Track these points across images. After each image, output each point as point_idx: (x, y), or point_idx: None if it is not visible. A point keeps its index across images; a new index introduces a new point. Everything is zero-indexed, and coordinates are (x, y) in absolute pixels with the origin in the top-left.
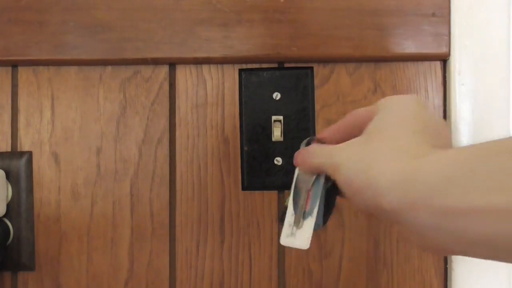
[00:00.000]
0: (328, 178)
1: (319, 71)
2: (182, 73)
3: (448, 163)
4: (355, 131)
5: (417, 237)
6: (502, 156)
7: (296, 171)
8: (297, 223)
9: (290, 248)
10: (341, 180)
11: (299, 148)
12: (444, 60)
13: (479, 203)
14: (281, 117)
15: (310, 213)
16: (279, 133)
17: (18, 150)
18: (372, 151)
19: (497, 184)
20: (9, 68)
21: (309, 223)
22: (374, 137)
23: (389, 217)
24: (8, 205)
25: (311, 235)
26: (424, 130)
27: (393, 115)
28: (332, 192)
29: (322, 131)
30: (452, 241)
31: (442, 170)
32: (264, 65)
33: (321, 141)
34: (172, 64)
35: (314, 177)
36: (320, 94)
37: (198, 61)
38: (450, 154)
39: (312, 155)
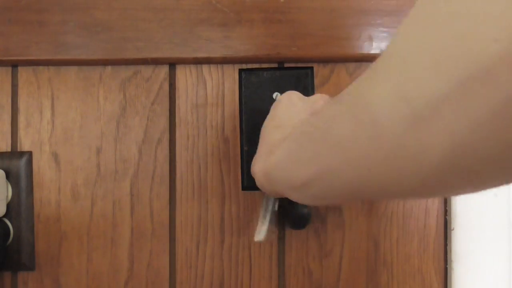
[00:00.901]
0: None
1: (319, 71)
2: (182, 73)
3: (283, 148)
4: None
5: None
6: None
7: None
8: (261, 220)
9: (290, 248)
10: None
11: None
12: None
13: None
14: None
15: (267, 212)
16: None
17: (18, 150)
18: (256, 155)
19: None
20: (9, 68)
21: (266, 220)
22: (260, 142)
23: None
24: (8, 205)
25: (266, 230)
26: (280, 124)
27: (266, 122)
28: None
29: None
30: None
31: (280, 156)
32: (264, 65)
33: None
34: (172, 64)
35: None
36: None
37: (198, 61)
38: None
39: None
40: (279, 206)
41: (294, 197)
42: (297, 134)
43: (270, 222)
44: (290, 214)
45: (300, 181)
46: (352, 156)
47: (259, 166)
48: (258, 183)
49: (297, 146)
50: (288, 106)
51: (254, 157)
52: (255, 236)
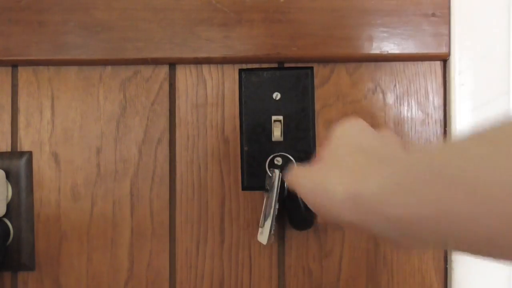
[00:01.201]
0: (281, 189)
1: (319, 71)
2: (182, 73)
3: (385, 176)
4: None
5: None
6: (434, 167)
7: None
8: (261, 223)
9: (290, 248)
10: (302, 196)
11: (299, 148)
12: (444, 60)
13: (414, 211)
14: (281, 117)
15: (268, 216)
16: (279, 133)
17: (18, 150)
18: (324, 172)
19: (431, 195)
20: (9, 68)
21: (268, 224)
22: (325, 161)
23: (348, 226)
24: (8, 205)
25: (269, 233)
26: (367, 149)
27: (338, 142)
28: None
29: None
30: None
31: (384, 184)
32: (264, 65)
33: None
34: (172, 64)
35: (270, 187)
36: (320, 94)
37: (198, 61)
38: (387, 169)
39: (289, 174)
40: (280, 209)
41: (386, 232)
42: (423, 168)
43: (272, 226)
44: (295, 216)
45: (407, 218)
46: (503, 208)
47: (346, 188)
48: (331, 203)
49: (417, 181)
50: (367, 133)
51: (324, 177)
52: (259, 237)
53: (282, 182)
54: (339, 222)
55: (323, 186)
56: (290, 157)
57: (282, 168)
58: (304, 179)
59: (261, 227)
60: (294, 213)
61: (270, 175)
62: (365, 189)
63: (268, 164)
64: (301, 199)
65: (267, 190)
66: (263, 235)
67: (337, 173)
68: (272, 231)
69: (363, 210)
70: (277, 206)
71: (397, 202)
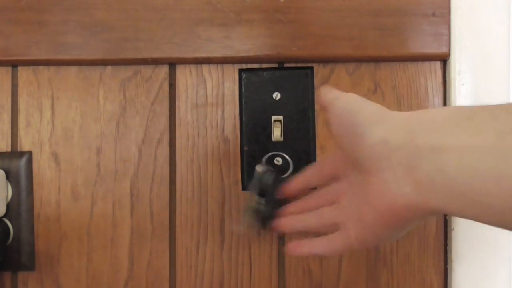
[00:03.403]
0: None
1: (319, 71)
2: (182, 73)
3: (444, 111)
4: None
5: (390, 185)
6: (488, 108)
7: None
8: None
9: None
10: (332, 115)
11: (299, 148)
12: (444, 60)
13: (464, 141)
14: (281, 117)
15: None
16: (279, 133)
17: (18, 150)
18: (363, 104)
19: (482, 127)
20: (9, 68)
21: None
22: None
23: (368, 157)
24: (8, 205)
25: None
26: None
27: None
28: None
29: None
30: (428, 184)
31: (433, 115)
32: (264, 65)
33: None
34: (172, 64)
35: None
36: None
37: (198, 61)
38: (446, 108)
39: (324, 95)
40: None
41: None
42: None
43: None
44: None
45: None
46: None
47: (377, 110)
48: (355, 125)
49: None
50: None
51: (360, 105)
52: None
53: (275, 184)
54: (357, 149)
55: (356, 108)
56: (287, 157)
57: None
58: (336, 98)
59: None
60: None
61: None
62: (400, 116)
63: (267, 163)
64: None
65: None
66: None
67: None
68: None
69: (394, 135)
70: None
71: (439, 131)
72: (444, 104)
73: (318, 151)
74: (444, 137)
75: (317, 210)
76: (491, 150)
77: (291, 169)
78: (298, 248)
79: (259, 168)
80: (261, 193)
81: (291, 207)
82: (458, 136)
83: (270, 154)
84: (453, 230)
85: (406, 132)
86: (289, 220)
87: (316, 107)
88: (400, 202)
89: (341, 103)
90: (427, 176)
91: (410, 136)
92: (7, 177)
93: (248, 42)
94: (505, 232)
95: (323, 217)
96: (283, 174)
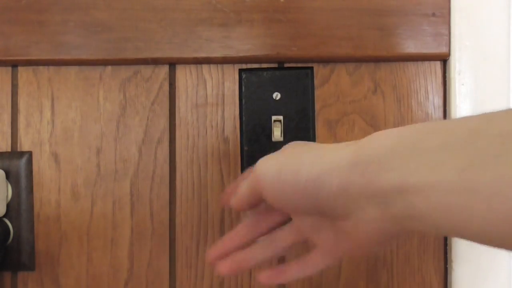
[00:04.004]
0: None
1: (319, 71)
2: (182, 73)
3: (387, 140)
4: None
5: (367, 222)
6: (442, 134)
7: None
8: None
9: None
10: (268, 186)
11: None
12: (444, 60)
13: (426, 179)
14: (281, 117)
15: None
16: (279, 133)
17: (18, 150)
18: (298, 154)
19: (441, 160)
20: (9, 68)
21: None
22: (291, 149)
23: (332, 208)
24: (8, 205)
25: None
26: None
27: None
28: None
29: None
30: (399, 219)
31: (385, 146)
32: (264, 65)
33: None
34: (172, 64)
35: None
36: (320, 94)
37: (198, 61)
38: (387, 133)
39: (237, 193)
40: None
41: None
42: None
43: None
44: None
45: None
46: None
47: (331, 154)
48: (312, 181)
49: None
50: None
51: (300, 157)
52: None
53: None
54: (317, 204)
55: (298, 164)
56: None
57: None
58: (258, 170)
59: None
60: None
61: None
62: (362, 152)
63: None
64: None
65: None
66: None
67: (313, 152)
68: None
69: (358, 175)
70: None
71: (402, 167)
72: (444, 103)
73: None
74: (404, 175)
75: (268, 237)
76: (456, 186)
77: None
78: (276, 277)
79: None
80: None
81: (226, 244)
82: (418, 173)
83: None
84: None
85: (358, 172)
86: (236, 259)
87: (316, 107)
88: (382, 233)
89: (268, 173)
90: (402, 212)
91: (367, 177)
92: (7, 177)
93: (248, 42)
94: None
95: (280, 243)
96: None
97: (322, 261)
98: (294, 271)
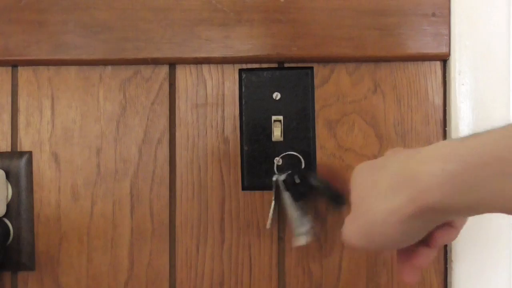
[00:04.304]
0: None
1: (319, 71)
2: (182, 73)
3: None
4: None
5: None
6: None
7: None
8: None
9: (290, 248)
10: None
11: (299, 148)
12: (444, 60)
13: None
14: (281, 117)
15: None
16: (279, 133)
17: (18, 150)
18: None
19: None
20: (9, 68)
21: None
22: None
23: (434, 211)
24: (8, 205)
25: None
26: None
27: (358, 183)
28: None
29: None
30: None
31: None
32: (264, 65)
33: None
34: (172, 64)
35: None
36: (320, 94)
37: (198, 61)
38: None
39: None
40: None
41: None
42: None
43: (309, 221)
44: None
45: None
46: None
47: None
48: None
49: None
50: (375, 163)
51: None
52: (296, 241)
53: (291, 182)
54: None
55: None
56: (296, 153)
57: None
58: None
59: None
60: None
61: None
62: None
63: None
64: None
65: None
66: (301, 233)
67: (384, 195)
68: (305, 229)
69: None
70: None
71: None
72: (444, 103)
73: (318, 151)
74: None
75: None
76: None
77: (303, 164)
78: (415, 273)
79: (280, 177)
80: (296, 197)
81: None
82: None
83: (280, 156)
84: None
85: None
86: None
87: (316, 107)
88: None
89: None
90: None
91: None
92: (7, 177)
93: (248, 42)
94: (505, 232)
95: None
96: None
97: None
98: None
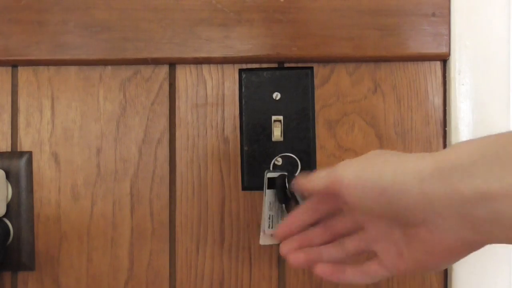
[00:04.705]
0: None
1: (319, 71)
2: (182, 73)
3: (469, 149)
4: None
5: (445, 232)
6: None
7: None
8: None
9: None
10: (349, 185)
11: (299, 148)
12: (444, 60)
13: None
14: (281, 117)
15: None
16: (279, 133)
17: (18, 150)
18: (381, 160)
19: None
20: (9, 68)
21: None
22: (372, 157)
23: (410, 212)
24: (8, 205)
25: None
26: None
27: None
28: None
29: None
30: (487, 227)
31: (468, 154)
32: (264, 65)
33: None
34: (172, 64)
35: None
36: (320, 94)
37: (198, 61)
38: (468, 143)
39: (312, 179)
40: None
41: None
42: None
43: (266, 225)
44: None
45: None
46: None
47: (416, 162)
48: (396, 187)
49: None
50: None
51: (384, 164)
52: (262, 240)
53: (283, 184)
54: (397, 209)
55: (381, 171)
56: (293, 156)
57: (282, 168)
58: (340, 171)
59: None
60: None
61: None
62: (444, 163)
63: (272, 166)
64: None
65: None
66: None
67: (397, 159)
68: (266, 230)
69: (444, 184)
70: (269, 206)
71: (488, 173)
72: (444, 103)
73: (318, 151)
74: (489, 181)
75: (338, 242)
76: None
77: (299, 168)
78: (333, 274)
79: (271, 174)
80: (281, 198)
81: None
82: (503, 179)
83: (276, 156)
84: None
85: (441, 179)
86: (309, 256)
87: (316, 107)
88: (459, 242)
89: (349, 173)
90: (485, 222)
91: (449, 184)
92: (7, 177)
93: (248, 42)
94: None
95: (347, 249)
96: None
97: (381, 272)
98: (352, 275)
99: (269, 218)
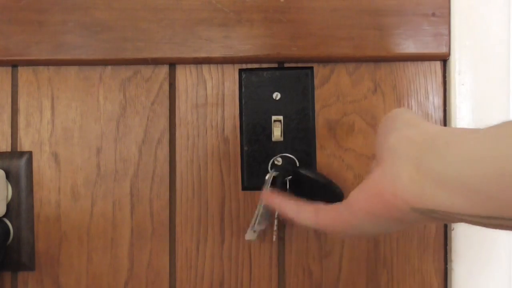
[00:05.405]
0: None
1: (319, 71)
2: (182, 73)
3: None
4: None
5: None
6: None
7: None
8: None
9: (290, 248)
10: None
11: (299, 148)
12: (444, 60)
13: None
14: (281, 117)
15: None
16: (279, 133)
17: (18, 150)
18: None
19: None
20: (9, 68)
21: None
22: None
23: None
24: (8, 205)
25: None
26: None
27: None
28: None
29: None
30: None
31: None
32: (264, 65)
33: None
34: (172, 64)
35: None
36: (320, 94)
37: (198, 61)
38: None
39: (299, 217)
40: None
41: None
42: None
43: (256, 224)
44: (324, 193)
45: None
46: None
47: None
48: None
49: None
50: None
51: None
52: (247, 235)
53: (280, 181)
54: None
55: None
56: (292, 156)
57: (281, 168)
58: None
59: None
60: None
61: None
62: (444, 162)
63: (270, 166)
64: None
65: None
66: (254, 232)
67: (397, 164)
68: (255, 228)
69: (444, 183)
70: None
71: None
72: (444, 103)
73: (318, 151)
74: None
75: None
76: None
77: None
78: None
79: (273, 173)
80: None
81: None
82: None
83: (275, 157)
84: (453, 230)
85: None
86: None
87: (316, 107)
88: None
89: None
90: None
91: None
92: (7, 177)
93: (248, 42)
94: (505, 232)
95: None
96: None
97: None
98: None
99: (261, 216)
